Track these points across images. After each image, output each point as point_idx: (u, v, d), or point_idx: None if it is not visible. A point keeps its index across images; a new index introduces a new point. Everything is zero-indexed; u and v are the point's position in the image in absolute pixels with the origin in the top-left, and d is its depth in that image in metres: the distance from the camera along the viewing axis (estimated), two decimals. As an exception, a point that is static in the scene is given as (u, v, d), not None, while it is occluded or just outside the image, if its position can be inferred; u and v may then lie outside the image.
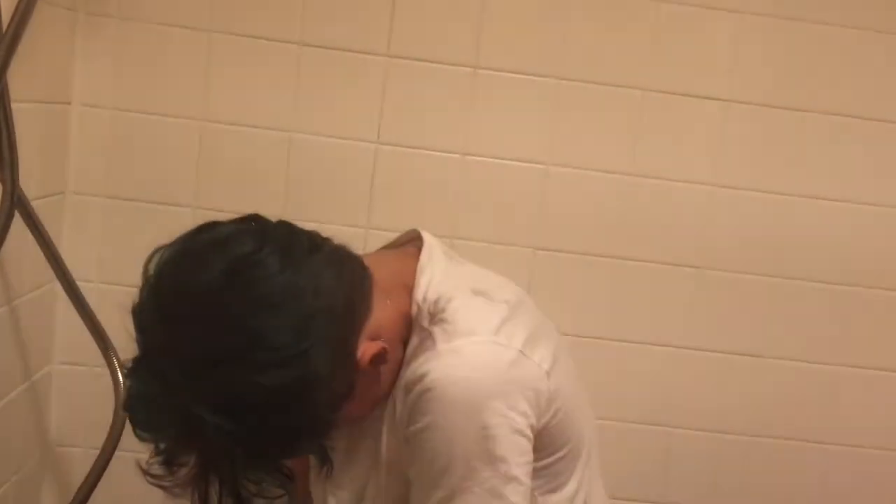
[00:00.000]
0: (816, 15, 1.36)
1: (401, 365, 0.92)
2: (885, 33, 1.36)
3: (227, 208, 1.36)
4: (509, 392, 0.88)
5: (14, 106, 1.04)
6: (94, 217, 1.35)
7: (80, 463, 1.35)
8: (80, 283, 1.24)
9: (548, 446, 0.94)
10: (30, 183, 1.14)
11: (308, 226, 1.32)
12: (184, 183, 1.35)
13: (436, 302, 0.92)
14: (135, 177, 1.35)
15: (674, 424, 1.44)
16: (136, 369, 0.80)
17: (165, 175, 1.35)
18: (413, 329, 0.92)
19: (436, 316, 0.91)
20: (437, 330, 0.89)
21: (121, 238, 1.36)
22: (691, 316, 1.42)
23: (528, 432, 0.89)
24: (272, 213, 1.34)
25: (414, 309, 0.92)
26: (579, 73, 1.35)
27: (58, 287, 1.25)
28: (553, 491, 0.98)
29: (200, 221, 1.32)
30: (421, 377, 0.86)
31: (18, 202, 1.08)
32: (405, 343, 0.93)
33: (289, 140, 1.35)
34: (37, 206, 1.17)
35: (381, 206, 1.37)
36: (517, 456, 0.88)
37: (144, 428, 0.79)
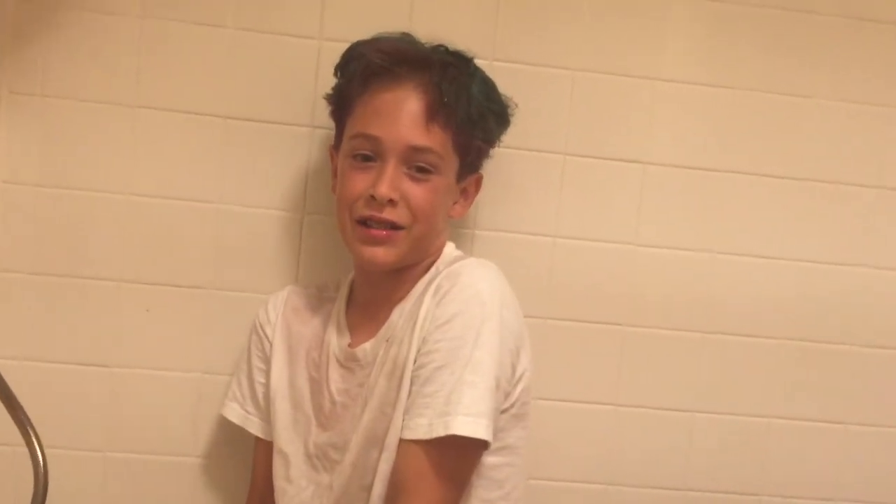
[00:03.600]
0: (727, 80, 1.42)
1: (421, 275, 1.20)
2: (795, 96, 1.44)
3: (154, 280, 1.36)
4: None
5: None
6: (17, 293, 1.33)
7: (1, 545, 1.31)
8: (2, 361, 1.21)
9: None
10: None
11: (238, 297, 1.34)
12: (109, 258, 1.35)
13: (454, 258, 1.22)
14: (59, 252, 1.34)
15: (606, 481, 1.45)
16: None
17: (90, 250, 1.34)
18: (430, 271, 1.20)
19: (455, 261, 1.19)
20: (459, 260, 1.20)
21: (44, 314, 1.34)
22: (620, 373, 1.44)
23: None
24: (201, 283, 1.35)
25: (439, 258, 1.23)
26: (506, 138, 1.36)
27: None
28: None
29: (127, 297, 1.33)
30: (457, 274, 1.12)
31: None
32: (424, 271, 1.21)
33: (216, 211, 1.36)
34: (-43, 283, 1.15)
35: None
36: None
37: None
